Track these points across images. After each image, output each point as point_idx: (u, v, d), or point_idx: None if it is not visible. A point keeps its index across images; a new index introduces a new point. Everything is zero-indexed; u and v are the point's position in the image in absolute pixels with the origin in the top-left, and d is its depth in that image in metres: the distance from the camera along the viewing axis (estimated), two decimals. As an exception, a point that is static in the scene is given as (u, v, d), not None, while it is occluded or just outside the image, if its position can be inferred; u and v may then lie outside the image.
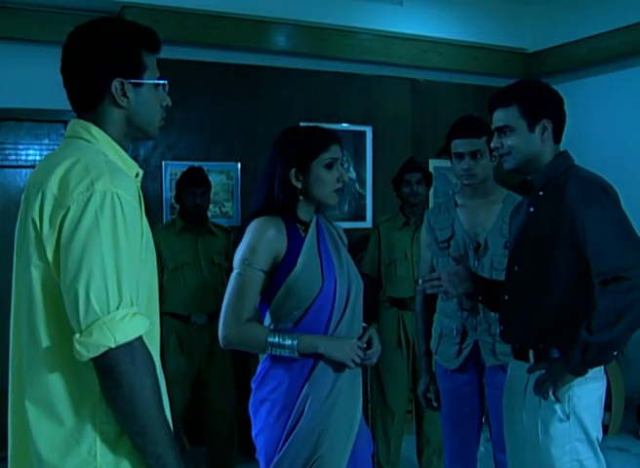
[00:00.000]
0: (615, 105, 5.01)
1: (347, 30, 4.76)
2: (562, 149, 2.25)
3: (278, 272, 2.14)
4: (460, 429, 2.86)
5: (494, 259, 2.70)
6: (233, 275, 2.15)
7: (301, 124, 4.49)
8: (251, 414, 2.24)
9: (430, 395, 2.93)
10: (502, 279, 2.53)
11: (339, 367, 2.14)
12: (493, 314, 2.69)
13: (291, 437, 2.11)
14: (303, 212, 2.22)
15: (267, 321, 2.21)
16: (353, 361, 2.13)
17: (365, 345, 2.19)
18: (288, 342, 2.09)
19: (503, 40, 5.28)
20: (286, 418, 2.12)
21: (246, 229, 2.18)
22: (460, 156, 2.73)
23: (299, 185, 2.17)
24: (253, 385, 2.23)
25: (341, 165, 2.23)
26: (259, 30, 4.53)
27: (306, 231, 2.21)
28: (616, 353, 2.04)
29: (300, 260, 2.14)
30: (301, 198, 2.19)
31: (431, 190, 5.12)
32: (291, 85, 4.74)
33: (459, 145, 2.74)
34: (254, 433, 2.22)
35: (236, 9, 4.37)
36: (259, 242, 2.12)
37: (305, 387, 2.12)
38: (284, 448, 2.11)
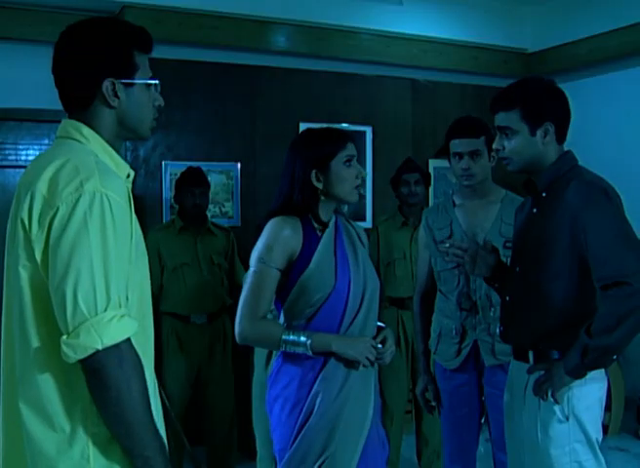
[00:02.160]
0: (615, 105, 5.00)
1: (347, 30, 4.75)
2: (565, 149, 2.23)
3: (292, 270, 2.17)
4: (460, 429, 2.86)
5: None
6: (250, 273, 2.19)
7: (301, 124, 4.50)
8: (267, 412, 2.27)
9: (429, 395, 2.93)
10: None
11: (350, 364, 2.15)
12: (492, 314, 2.69)
13: (301, 434, 2.13)
14: (323, 212, 2.24)
15: (282, 318, 2.24)
16: (368, 359, 2.15)
17: (379, 345, 2.20)
18: (302, 340, 2.11)
19: (503, 40, 5.27)
20: (297, 414, 2.15)
21: (263, 228, 2.21)
22: (459, 156, 2.73)
23: (319, 186, 2.20)
24: (267, 383, 2.27)
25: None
26: (258, 30, 4.52)
27: (323, 231, 2.23)
28: (615, 357, 2.04)
29: (314, 259, 2.16)
30: (323, 198, 2.22)
31: (431, 190, 5.13)
32: (291, 85, 4.73)
33: (457, 145, 2.74)
34: (271, 430, 2.26)
35: (236, 9, 4.37)
36: (275, 241, 2.16)
37: (316, 383, 2.14)
38: (294, 444, 2.13)
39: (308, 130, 2.34)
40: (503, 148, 2.19)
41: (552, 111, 2.16)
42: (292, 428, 2.15)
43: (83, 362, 1.33)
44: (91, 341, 1.32)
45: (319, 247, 2.19)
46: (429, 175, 3.99)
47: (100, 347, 1.32)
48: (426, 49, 5.07)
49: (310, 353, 2.11)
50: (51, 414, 1.39)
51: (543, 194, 2.19)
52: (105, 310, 1.34)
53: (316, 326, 2.16)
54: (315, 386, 2.14)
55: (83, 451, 1.39)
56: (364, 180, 4.87)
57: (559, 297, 2.12)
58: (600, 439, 2.14)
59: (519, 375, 2.24)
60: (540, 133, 2.15)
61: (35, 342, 1.40)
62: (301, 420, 2.14)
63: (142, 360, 1.41)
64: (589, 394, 2.12)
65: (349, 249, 2.25)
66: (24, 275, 1.40)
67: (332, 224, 2.26)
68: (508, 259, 2.68)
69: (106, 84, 1.49)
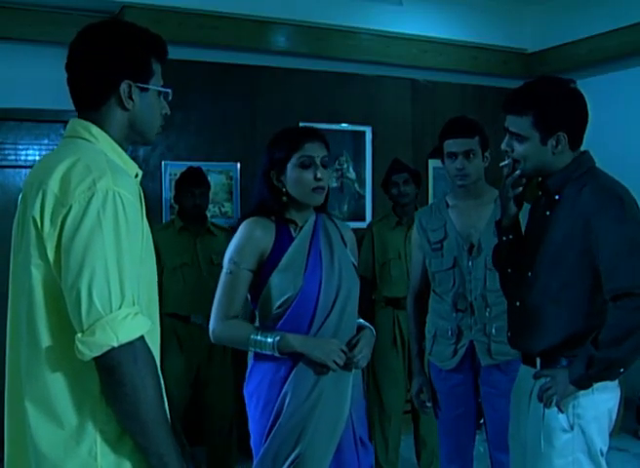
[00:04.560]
0: (615, 106, 5.01)
1: (347, 30, 4.76)
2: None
3: (263, 271, 2.19)
4: (456, 429, 2.86)
5: (488, 260, 2.67)
6: (222, 273, 2.24)
7: (301, 124, 4.49)
8: (247, 407, 2.30)
9: (424, 396, 2.91)
10: (497, 280, 2.51)
11: (320, 367, 2.15)
12: (487, 314, 2.69)
13: (272, 433, 2.16)
14: (295, 213, 2.26)
15: (256, 319, 2.27)
16: (335, 362, 2.13)
17: (349, 347, 2.19)
18: (269, 340, 2.14)
19: (503, 40, 5.27)
20: (269, 414, 2.18)
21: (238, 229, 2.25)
22: (454, 156, 2.72)
23: (280, 187, 2.22)
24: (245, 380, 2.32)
25: (323, 165, 2.22)
26: (258, 30, 4.52)
27: (300, 231, 2.24)
28: (622, 370, 1.98)
29: (282, 260, 2.18)
30: (286, 199, 2.23)
31: (430, 190, 5.13)
32: (290, 85, 4.74)
33: (452, 145, 2.72)
34: (248, 424, 2.30)
35: (236, 9, 4.37)
36: (245, 242, 2.20)
37: (286, 384, 2.16)
38: (266, 443, 2.16)
39: (282, 129, 2.35)
40: (512, 151, 2.12)
41: (566, 120, 2.06)
42: (264, 426, 2.18)
43: (98, 359, 1.34)
44: (106, 339, 1.32)
45: (290, 248, 2.20)
46: (419, 173, 3.99)
47: (115, 344, 1.33)
48: (426, 49, 5.07)
49: (277, 353, 2.13)
50: (59, 413, 1.40)
51: (557, 197, 2.11)
52: (120, 308, 1.35)
53: (285, 327, 2.17)
54: (285, 386, 2.16)
55: (91, 449, 1.40)
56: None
57: (569, 308, 2.06)
58: (606, 449, 2.09)
59: (526, 380, 2.19)
60: (551, 142, 2.06)
61: (45, 340, 1.40)
62: (272, 420, 2.16)
63: None
64: (598, 404, 2.06)
65: (325, 249, 2.25)
66: (36, 273, 1.40)
67: (309, 224, 2.27)
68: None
69: (124, 86, 1.51)
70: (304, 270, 2.18)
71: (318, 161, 2.21)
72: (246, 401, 2.29)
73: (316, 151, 2.21)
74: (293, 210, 2.25)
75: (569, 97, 2.10)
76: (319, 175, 2.19)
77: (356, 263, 2.37)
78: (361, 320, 2.35)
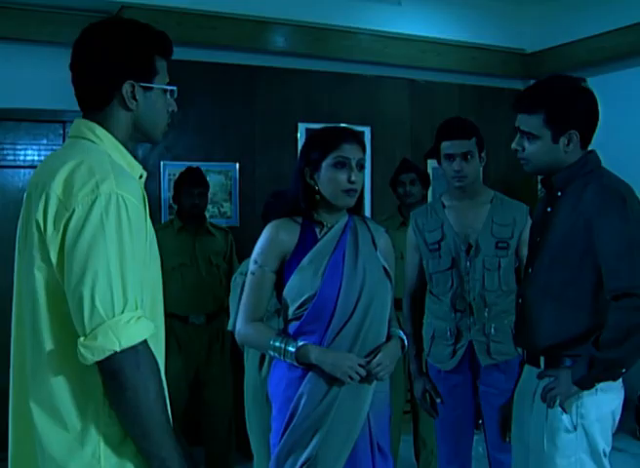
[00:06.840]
0: (614, 106, 5.00)
1: (346, 30, 4.76)
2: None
3: (285, 271, 2.18)
4: (454, 430, 2.85)
5: (485, 260, 2.69)
6: (248, 275, 2.24)
7: (300, 124, 4.50)
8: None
9: (427, 401, 2.90)
10: (495, 279, 2.51)
11: (334, 379, 2.12)
12: (486, 314, 2.69)
13: (287, 433, 2.15)
14: (324, 213, 2.23)
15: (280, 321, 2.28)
16: (350, 377, 2.10)
17: (367, 361, 2.14)
18: (290, 349, 2.12)
19: (502, 40, 5.27)
20: (285, 412, 2.17)
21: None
22: (451, 157, 2.71)
23: (312, 184, 2.19)
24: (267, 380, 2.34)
25: (361, 166, 2.19)
26: (257, 30, 4.52)
27: (327, 232, 2.22)
28: (624, 370, 1.98)
29: (304, 260, 2.16)
30: (318, 198, 2.20)
31: (430, 190, 5.12)
32: (289, 85, 4.73)
33: (449, 147, 2.72)
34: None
35: (235, 9, 4.37)
36: (268, 244, 2.20)
37: (302, 385, 2.15)
38: (281, 443, 2.16)
39: (322, 127, 2.31)
40: (523, 149, 2.12)
41: (578, 118, 2.06)
42: (281, 426, 2.18)
43: (100, 364, 1.34)
44: (109, 343, 1.32)
45: (312, 250, 2.18)
46: (427, 174, 4.00)
47: (117, 349, 1.33)
48: (425, 49, 5.07)
49: (296, 363, 2.12)
50: (63, 414, 1.40)
51: (559, 193, 2.12)
52: (123, 312, 1.34)
53: (303, 329, 2.15)
54: (301, 387, 2.15)
55: (94, 452, 1.40)
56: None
57: (571, 307, 2.06)
58: (608, 450, 2.09)
59: (529, 380, 2.19)
60: (563, 140, 2.06)
61: (49, 343, 1.40)
62: (288, 419, 2.16)
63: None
64: (601, 405, 2.06)
65: (350, 251, 2.21)
66: (39, 276, 1.40)
67: (339, 226, 2.23)
68: (501, 260, 2.68)
69: (126, 86, 1.50)
70: (324, 271, 2.15)
71: (354, 163, 2.16)
72: (270, 400, 2.31)
73: (353, 153, 2.17)
74: (323, 210, 2.22)
75: (580, 96, 2.09)
76: (353, 178, 2.15)
77: (389, 268, 2.31)
78: (396, 329, 2.30)
